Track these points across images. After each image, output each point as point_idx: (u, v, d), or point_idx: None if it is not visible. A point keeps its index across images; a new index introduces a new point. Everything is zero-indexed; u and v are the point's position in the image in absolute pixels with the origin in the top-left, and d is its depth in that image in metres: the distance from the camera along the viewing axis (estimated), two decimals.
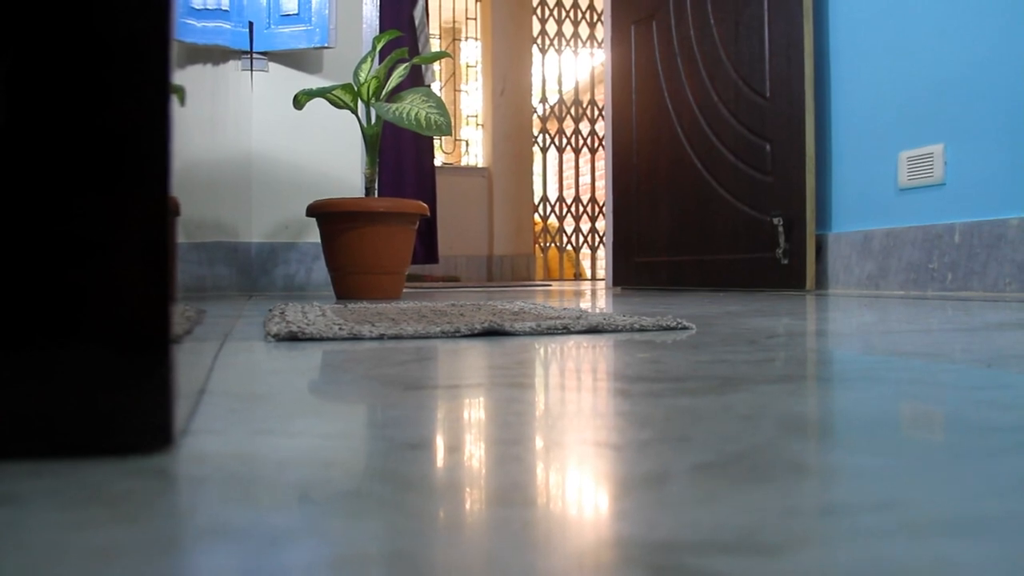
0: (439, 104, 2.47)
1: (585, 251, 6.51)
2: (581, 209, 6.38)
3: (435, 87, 5.24)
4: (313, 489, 0.33)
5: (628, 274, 3.66)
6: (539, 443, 0.42)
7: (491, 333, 1.02)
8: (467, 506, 0.31)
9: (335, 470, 0.37)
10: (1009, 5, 2.12)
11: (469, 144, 6.40)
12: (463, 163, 6.32)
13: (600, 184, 6.12)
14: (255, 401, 0.55)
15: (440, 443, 0.43)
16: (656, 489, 0.32)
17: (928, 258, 2.33)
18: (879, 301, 2.00)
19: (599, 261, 6.42)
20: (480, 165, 6.28)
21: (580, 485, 0.34)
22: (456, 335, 1.01)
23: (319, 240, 2.64)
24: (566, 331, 1.05)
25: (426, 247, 4.70)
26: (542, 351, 0.88)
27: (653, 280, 3.47)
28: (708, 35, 3.16)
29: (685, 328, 1.11)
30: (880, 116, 2.54)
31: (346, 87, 2.55)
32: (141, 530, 0.27)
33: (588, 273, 6.65)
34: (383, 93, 2.56)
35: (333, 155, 3.22)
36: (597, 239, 6.36)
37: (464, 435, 0.46)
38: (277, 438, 0.43)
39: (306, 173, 3.18)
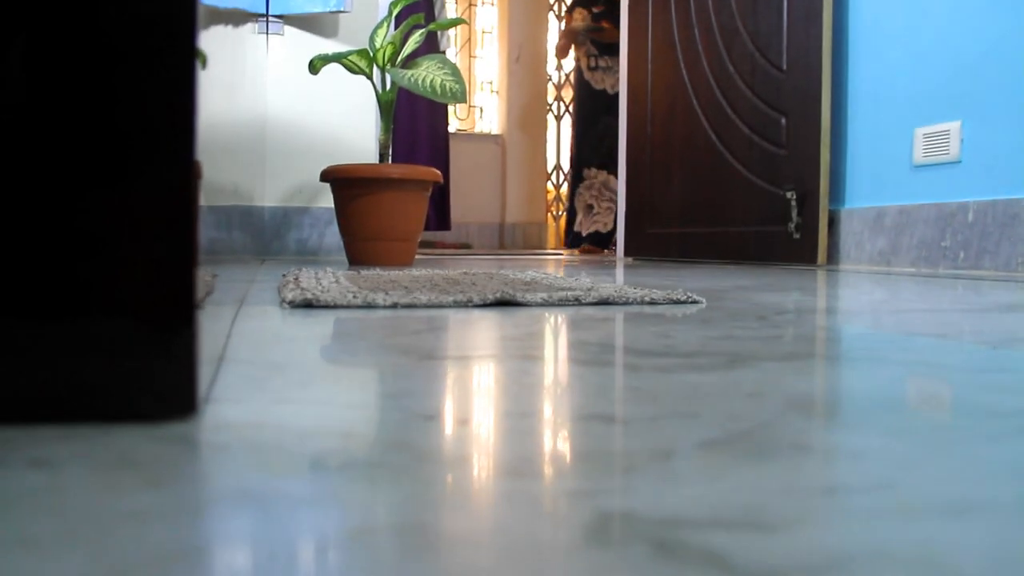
0: (454, 71, 2.46)
1: None
2: None
3: (451, 53, 5.21)
4: (331, 458, 0.34)
5: (640, 245, 3.66)
6: (549, 416, 0.44)
7: (503, 303, 1.03)
8: (478, 477, 0.32)
9: (352, 440, 0.38)
10: None
11: (483, 111, 6.37)
12: (477, 130, 6.30)
13: None
14: (273, 370, 0.56)
15: (453, 415, 0.44)
16: (662, 465, 0.33)
17: (941, 236, 2.33)
18: (890, 278, 2.00)
19: None
20: (494, 132, 6.26)
21: (588, 459, 0.35)
22: (468, 305, 1.02)
23: (332, 205, 2.65)
24: (577, 303, 1.06)
25: (438, 214, 4.71)
26: (553, 322, 0.89)
27: (665, 251, 3.47)
28: (726, 5, 3.13)
29: (695, 302, 1.11)
30: (897, 92, 2.52)
31: (362, 52, 2.54)
32: (168, 495, 0.29)
33: None
34: (398, 59, 2.55)
35: (347, 121, 3.22)
36: None
37: (476, 407, 0.47)
38: (295, 407, 0.44)
39: (320, 138, 3.18)
